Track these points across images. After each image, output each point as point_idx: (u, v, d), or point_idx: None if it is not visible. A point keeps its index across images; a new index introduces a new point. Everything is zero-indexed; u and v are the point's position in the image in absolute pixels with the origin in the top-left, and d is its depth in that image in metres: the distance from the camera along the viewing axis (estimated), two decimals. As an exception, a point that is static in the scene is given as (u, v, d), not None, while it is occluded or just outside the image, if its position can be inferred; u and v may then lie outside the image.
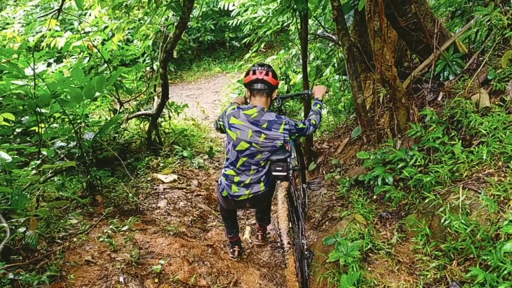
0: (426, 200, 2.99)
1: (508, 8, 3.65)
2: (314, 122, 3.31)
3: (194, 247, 3.63)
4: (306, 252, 3.17)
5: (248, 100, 3.29)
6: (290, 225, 2.89)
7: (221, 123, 3.28)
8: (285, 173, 3.07)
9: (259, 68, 3.12)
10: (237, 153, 3.15)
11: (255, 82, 3.11)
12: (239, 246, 3.75)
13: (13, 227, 2.91)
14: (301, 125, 3.21)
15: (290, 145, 3.80)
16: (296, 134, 3.22)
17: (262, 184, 3.24)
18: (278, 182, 3.19)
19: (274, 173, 3.10)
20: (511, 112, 3.13)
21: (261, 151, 3.12)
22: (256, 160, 3.15)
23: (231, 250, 3.74)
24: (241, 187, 3.23)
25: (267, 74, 3.10)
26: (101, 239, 3.29)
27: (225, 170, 3.27)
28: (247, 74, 3.17)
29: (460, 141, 3.24)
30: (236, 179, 3.22)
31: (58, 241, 3.23)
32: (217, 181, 3.47)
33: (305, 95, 3.93)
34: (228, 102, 9.55)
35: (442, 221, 2.74)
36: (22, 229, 2.94)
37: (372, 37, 3.64)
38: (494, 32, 3.86)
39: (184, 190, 5.04)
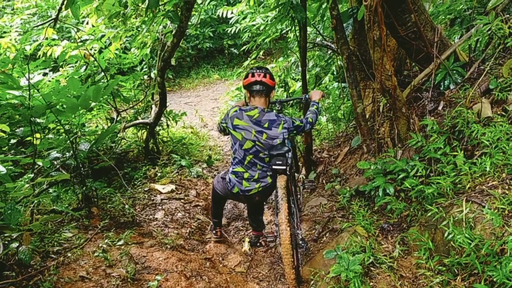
0: (429, 213, 2.92)
1: (508, 16, 3.61)
2: (310, 120, 3.62)
3: (192, 261, 3.55)
4: (300, 242, 3.42)
5: (248, 102, 3.58)
6: (287, 191, 3.28)
7: (224, 125, 3.58)
8: (284, 167, 3.31)
9: (257, 71, 3.44)
10: (244, 151, 3.47)
11: (254, 84, 3.44)
12: (221, 227, 4.18)
13: (6, 242, 2.84)
14: (297, 123, 3.53)
15: (288, 159, 3.85)
16: (295, 131, 3.56)
17: (269, 177, 3.57)
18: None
19: (274, 167, 3.34)
20: (514, 122, 3.07)
21: (264, 149, 3.44)
22: (260, 157, 3.48)
23: (214, 231, 4.13)
24: (251, 182, 3.54)
25: (265, 76, 3.42)
26: (96, 254, 3.22)
27: (234, 168, 3.58)
28: (246, 76, 3.47)
29: (462, 151, 3.18)
30: (246, 175, 3.53)
31: (52, 256, 3.15)
32: (223, 178, 3.75)
33: (303, 98, 4.13)
34: (227, 109, 9.51)
35: (445, 234, 2.68)
36: (15, 244, 2.87)
37: (371, 46, 3.59)
38: (494, 41, 3.81)
39: (182, 200, 4.96)
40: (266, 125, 3.39)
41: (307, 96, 4.06)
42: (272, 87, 3.50)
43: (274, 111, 3.58)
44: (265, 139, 3.40)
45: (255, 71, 3.44)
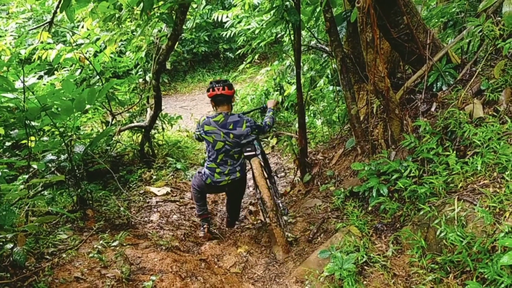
0: (421, 212, 2.95)
1: (499, 18, 3.65)
2: (268, 123, 4.35)
3: (187, 262, 3.56)
4: (281, 208, 4.06)
5: (214, 109, 4.18)
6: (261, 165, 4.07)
7: (198, 133, 4.20)
8: (253, 152, 4.04)
9: (217, 85, 4.04)
10: (216, 151, 4.07)
11: (216, 96, 4.05)
12: (208, 224, 4.45)
13: (1, 243, 2.85)
14: (259, 123, 4.23)
15: (256, 146, 4.31)
16: (256, 130, 4.17)
17: (238, 172, 4.20)
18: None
19: (245, 154, 4.05)
20: (505, 122, 3.11)
21: (233, 147, 4.06)
22: (230, 154, 4.09)
23: (202, 228, 4.40)
24: (222, 175, 4.15)
25: (223, 89, 4.01)
26: (91, 255, 3.22)
27: (208, 164, 4.18)
28: (208, 90, 4.09)
29: (454, 152, 3.21)
30: (217, 170, 4.15)
31: (47, 257, 3.15)
32: (199, 172, 4.31)
33: (261, 108, 4.89)
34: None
35: (437, 233, 2.71)
36: (9, 245, 2.88)
37: (364, 48, 3.63)
38: (486, 43, 3.86)
39: (177, 203, 4.98)
40: (231, 127, 4.01)
41: (264, 105, 4.82)
42: (232, 95, 4.12)
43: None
44: (232, 138, 4.01)
45: (215, 85, 4.03)
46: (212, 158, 4.11)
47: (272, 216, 3.73)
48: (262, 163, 4.22)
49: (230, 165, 4.13)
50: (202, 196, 4.41)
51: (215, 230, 4.64)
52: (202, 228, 4.39)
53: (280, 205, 4.06)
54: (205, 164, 4.23)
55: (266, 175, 4.17)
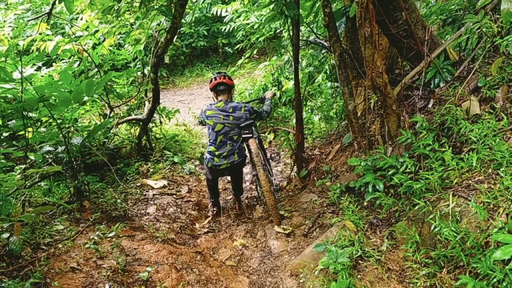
0: (416, 207, 2.97)
1: (498, 16, 3.66)
2: (266, 110, 4.76)
3: (183, 254, 3.58)
4: (274, 186, 4.63)
5: (215, 99, 4.59)
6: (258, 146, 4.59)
7: (201, 118, 4.60)
8: (251, 135, 4.50)
9: (218, 75, 4.53)
10: (216, 133, 4.43)
11: (218, 85, 4.48)
12: (218, 208, 4.96)
13: (-3, 233, 2.86)
14: (256, 109, 4.61)
15: (253, 130, 4.72)
16: (254, 115, 4.55)
17: (236, 155, 4.51)
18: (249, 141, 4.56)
19: (243, 136, 4.49)
20: (501, 119, 3.12)
21: (233, 128, 4.42)
22: (230, 136, 4.44)
23: (212, 209, 4.92)
24: (221, 158, 4.48)
25: (224, 78, 4.48)
26: (87, 246, 3.23)
27: (209, 148, 4.54)
28: (211, 81, 4.53)
29: (451, 148, 3.23)
30: (217, 153, 4.47)
31: (43, 247, 3.16)
32: (205, 159, 4.65)
33: (260, 99, 5.33)
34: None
35: (432, 228, 2.73)
36: (5, 235, 2.89)
37: (363, 43, 3.63)
38: (484, 40, 3.87)
39: (174, 196, 4.98)
40: (230, 110, 4.40)
41: (262, 97, 5.23)
42: (231, 85, 4.55)
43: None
44: (232, 120, 4.39)
45: (216, 75, 4.51)
46: (212, 140, 4.46)
47: (261, 171, 4.24)
48: (257, 142, 4.65)
49: (229, 147, 4.44)
50: (213, 183, 4.81)
51: (212, 223, 4.66)
52: (212, 210, 4.88)
53: (273, 181, 4.57)
54: (207, 148, 4.57)
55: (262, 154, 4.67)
